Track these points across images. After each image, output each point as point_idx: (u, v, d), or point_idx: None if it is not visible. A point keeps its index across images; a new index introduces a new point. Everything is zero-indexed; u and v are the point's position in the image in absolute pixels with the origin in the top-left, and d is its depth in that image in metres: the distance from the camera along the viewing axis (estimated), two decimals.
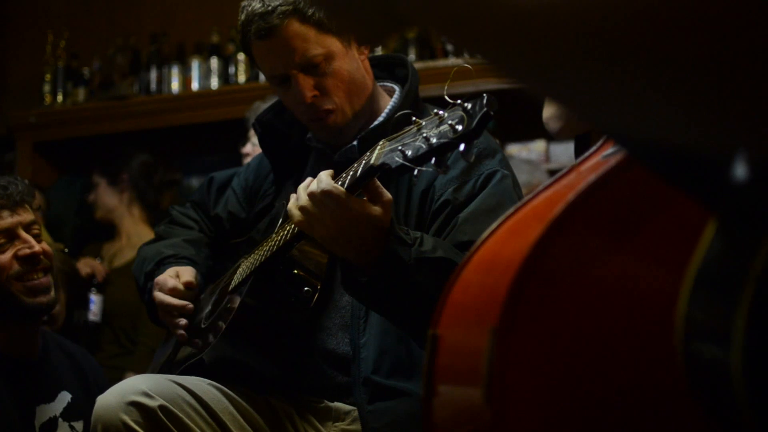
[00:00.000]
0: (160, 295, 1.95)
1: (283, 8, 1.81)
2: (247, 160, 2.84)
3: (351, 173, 1.58)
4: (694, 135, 0.48)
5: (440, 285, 1.58)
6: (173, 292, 1.94)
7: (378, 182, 1.57)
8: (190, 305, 1.95)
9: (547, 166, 4.04)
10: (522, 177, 2.52)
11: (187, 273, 1.99)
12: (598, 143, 0.86)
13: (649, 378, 0.78)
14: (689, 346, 0.64)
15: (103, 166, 4.01)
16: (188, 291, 1.96)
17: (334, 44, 1.83)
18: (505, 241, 0.84)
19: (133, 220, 3.93)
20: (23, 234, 2.16)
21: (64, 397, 2.26)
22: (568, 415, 0.79)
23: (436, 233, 1.75)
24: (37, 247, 2.16)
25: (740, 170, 0.54)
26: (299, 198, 1.59)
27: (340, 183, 1.57)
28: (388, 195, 1.56)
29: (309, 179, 1.60)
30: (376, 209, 1.55)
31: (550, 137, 2.23)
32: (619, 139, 0.62)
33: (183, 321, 1.94)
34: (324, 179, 1.56)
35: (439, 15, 0.55)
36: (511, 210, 0.86)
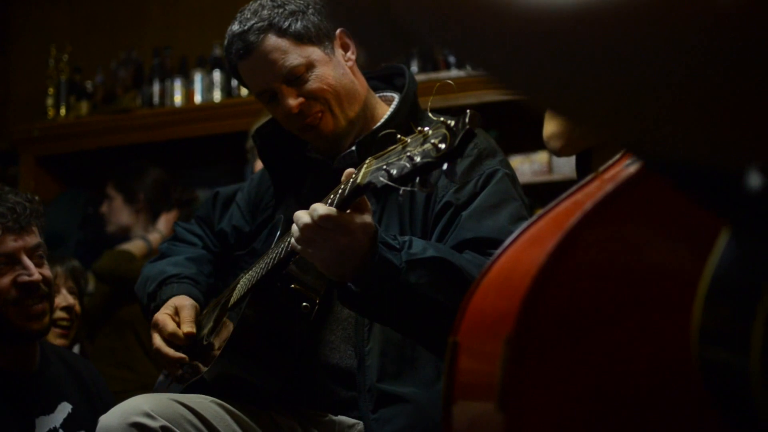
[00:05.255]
0: (157, 341, 1.91)
1: (259, 24, 1.83)
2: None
3: (339, 193, 1.58)
4: (708, 146, 0.49)
5: (436, 283, 1.60)
6: (172, 337, 1.89)
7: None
8: (185, 358, 1.89)
9: (550, 177, 4.04)
10: None
11: (187, 312, 1.94)
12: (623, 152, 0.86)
13: (666, 387, 0.79)
14: (705, 355, 0.64)
15: (117, 179, 3.92)
16: (187, 339, 1.90)
17: (314, 53, 1.84)
18: (524, 250, 0.84)
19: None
20: (25, 260, 2.14)
21: (65, 408, 2.25)
22: (581, 423, 0.79)
23: (440, 235, 1.75)
24: (36, 275, 2.14)
25: (754, 178, 0.54)
26: (300, 231, 1.58)
27: (329, 203, 1.57)
28: (368, 204, 1.58)
29: (302, 212, 1.59)
30: (366, 217, 1.56)
31: None
32: (631, 147, 0.63)
33: (179, 372, 1.91)
34: (317, 207, 1.56)
35: (443, 29, 0.55)
36: (534, 218, 0.86)
